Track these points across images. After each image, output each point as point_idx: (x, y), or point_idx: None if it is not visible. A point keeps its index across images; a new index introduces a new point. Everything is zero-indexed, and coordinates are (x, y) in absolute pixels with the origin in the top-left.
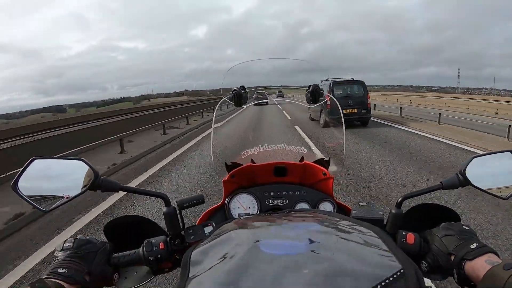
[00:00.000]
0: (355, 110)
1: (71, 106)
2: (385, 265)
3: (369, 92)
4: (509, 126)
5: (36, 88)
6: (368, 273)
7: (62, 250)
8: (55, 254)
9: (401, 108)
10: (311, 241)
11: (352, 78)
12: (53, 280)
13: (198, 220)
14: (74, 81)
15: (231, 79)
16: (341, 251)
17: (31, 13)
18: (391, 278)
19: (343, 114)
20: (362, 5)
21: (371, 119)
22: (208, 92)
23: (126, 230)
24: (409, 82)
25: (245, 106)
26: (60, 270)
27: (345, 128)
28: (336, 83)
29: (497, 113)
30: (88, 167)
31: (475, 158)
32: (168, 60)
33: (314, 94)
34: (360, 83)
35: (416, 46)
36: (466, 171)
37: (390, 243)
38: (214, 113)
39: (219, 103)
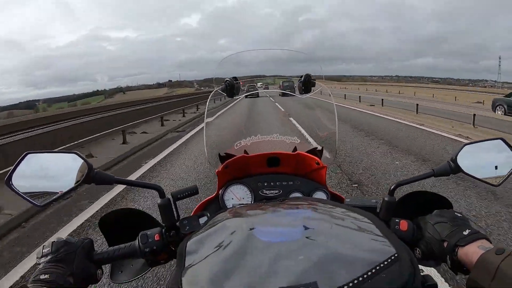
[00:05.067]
0: (289, 90)
1: (45, 101)
2: (380, 250)
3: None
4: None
5: (26, 80)
6: (362, 258)
7: (42, 256)
8: (36, 262)
9: None
10: (305, 228)
11: (290, 77)
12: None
13: (193, 211)
14: (64, 73)
15: (223, 70)
16: (335, 237)
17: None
18: (385, 263)
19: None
20: None
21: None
22: (195, 84)
23: (121, 224)
24: (408, 72)
25: (237, 97)
26: (42, 276)
27: (285, 96)
28: (284, 81)
29: None
30: (82, 160)
31: (466, 146)
32: (160, 50)
33: (307, 84)
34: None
35: (417, 36)
36: (457, 158)
37: (384, 228)
38: (207, 105)
39: (212, 93)
